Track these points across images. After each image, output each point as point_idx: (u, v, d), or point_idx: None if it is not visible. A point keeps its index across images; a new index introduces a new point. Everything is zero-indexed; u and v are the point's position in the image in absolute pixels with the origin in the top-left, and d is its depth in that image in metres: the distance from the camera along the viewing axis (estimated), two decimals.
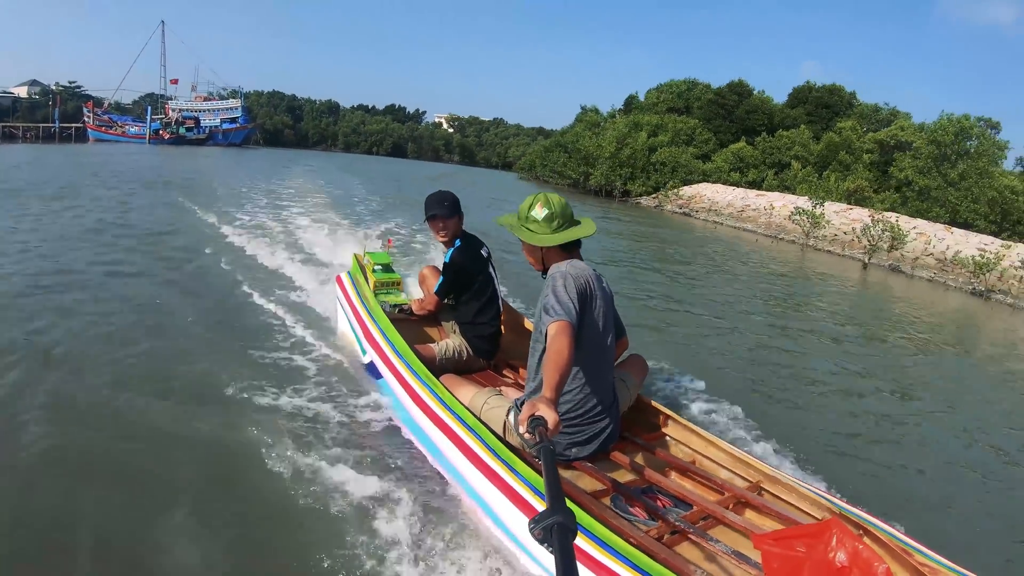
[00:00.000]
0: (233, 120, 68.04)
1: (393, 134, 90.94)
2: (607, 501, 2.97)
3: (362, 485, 3.22)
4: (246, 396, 4.22)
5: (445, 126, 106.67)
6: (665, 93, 45.00)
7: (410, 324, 4.78)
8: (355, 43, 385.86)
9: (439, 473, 3.43)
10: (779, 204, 28.98)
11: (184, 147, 55.97)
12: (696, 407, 5.12)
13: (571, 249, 3.27)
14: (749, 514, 3.04)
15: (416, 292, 5.58)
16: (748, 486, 3.16)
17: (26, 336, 5.17)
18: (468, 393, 3.56)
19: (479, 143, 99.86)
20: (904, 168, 30.04)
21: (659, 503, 2.96)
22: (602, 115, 49.63)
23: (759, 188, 33.58)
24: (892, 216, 24.81)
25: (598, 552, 2.30)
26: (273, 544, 2.93)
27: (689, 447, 3.55)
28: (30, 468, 3.37)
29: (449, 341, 4.50)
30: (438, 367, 4.18)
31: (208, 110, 69.20)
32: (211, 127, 66.77)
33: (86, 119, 64.11)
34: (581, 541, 2.37)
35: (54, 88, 79.46)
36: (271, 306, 6.29)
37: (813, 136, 36.80)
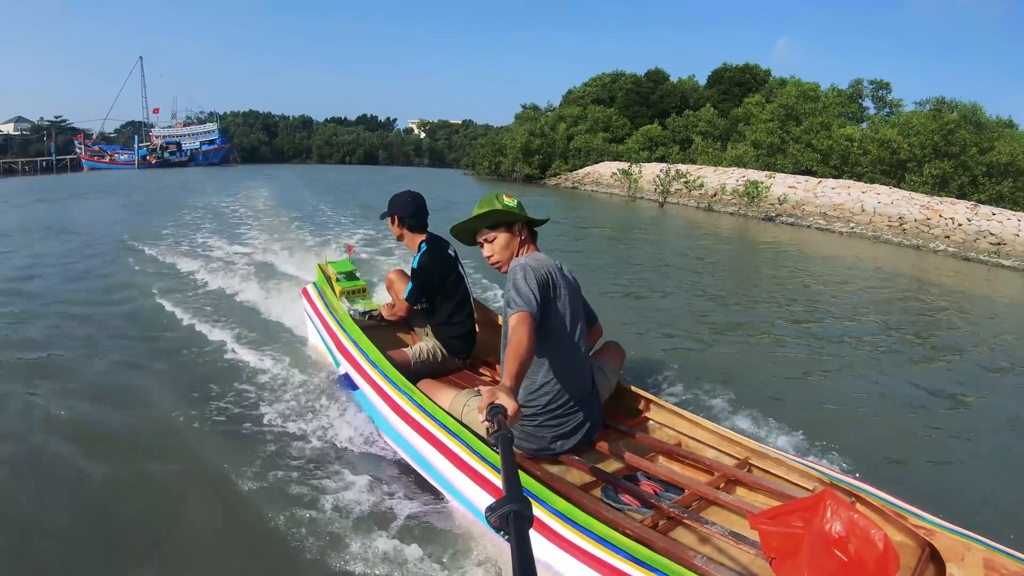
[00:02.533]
0: (211, 142, 72.15)
1: (364, 143, 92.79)
2: (597, 492, 2.86)
3: (346, 500, 3.09)
4: (217, 422, 3.95)
5: (416, 131, 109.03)
6: (591, 86, 48.57)
7: (382, 330, 4.53)
8: (328, 59, 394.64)
9: (425, 480, 3.25)
10: (647, 172, 33.88)
11: (169, 169, 58.60)
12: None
13: (533, 240, 3.21)
14: (740, 492, 2.96)
15: (383, 296, 5.32)
16: (737, 464, 3.07)
17: None
18: (447, 396, 3.38)
19: (449, 145, 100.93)
20: (756, 130, 33.93)
21: (650, 489, 2.85)
22: (540, 111, 53.52)
23: (663, 162, 36.65)
24: (688, 167, 32.03)
25: (596, 548, 2.22)
26: (261, 565, 2.75)
27: (674, 429, 3.43)
28: None
29: (423, 344, 4.27)
30: (414, 371, 3.96)
31: (188, 135, 73.06)
32: (192, 150, 70.72)
33: (78, 150, 67.26)
34: (578, 538, 2.29)
35: (38, 123, 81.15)
36: (232, 329, 5.75)
37: (722, 113, 40.09)
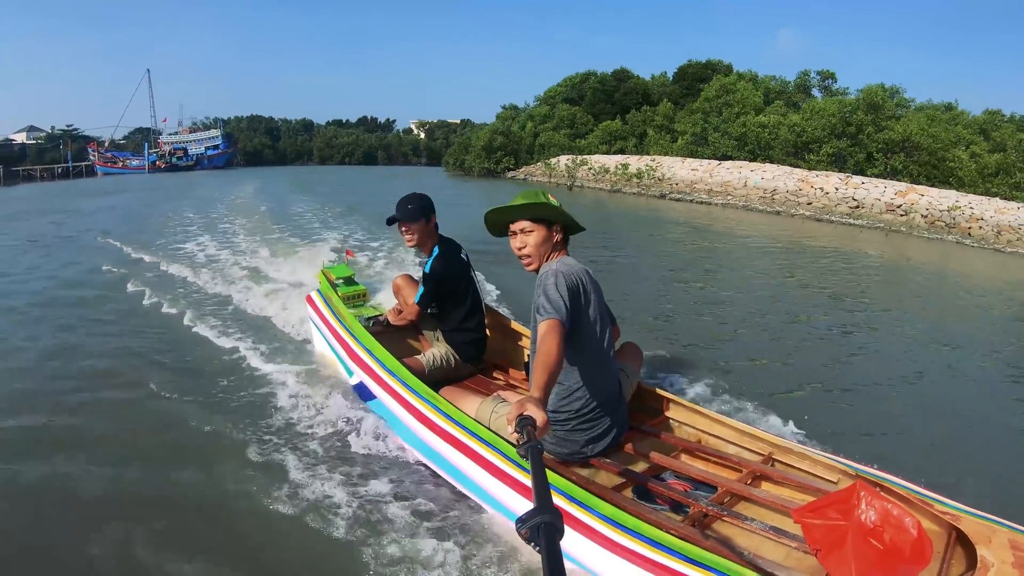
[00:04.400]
0: (215, 147, 74.98)
1: (364, 144, 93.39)
2: (629, 493, 2.75)
3: (374, 508, 2.95)
4: (231, 440, 3.67)
5: (416, 131, 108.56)
6: (563, 86, 49.85)
7: (390, 337, 4.22)
8: (331, 63, 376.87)
9: (455, 489, 3.07)
10: (563, 161, 37.09)
11: (177, 173, 60.31)
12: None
13: (566, 246, 3.01)
14: (767, 487, 2.84)
15: (387, 300, 5.04)
16: (761, 459, 2.94)
17: None
18: (473, 404, 3.19)
19: (447, 144, 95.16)
20: (683, 122, 36.60)
21: (680, 488, 2.75)
22: (519, 110, 54.73)
23: (622, 154, 38.55)
24: (598, 157, 35.50)
25: (647, 549, 2.15)
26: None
27: (695, 428, 3.28)
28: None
29: (435, 350, 3.98)
30: (428, 378, 3.64)
31: (194, 140, 75.82)
32: (197, 155, 73.33)
33: (92, 157, 69.79)
34: (628, 541, 2.20)
35: (51, 131, 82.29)
36: (236, 339, 5.42)
37: (682, 107, 40.95)
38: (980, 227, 19.61)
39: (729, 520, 2.54)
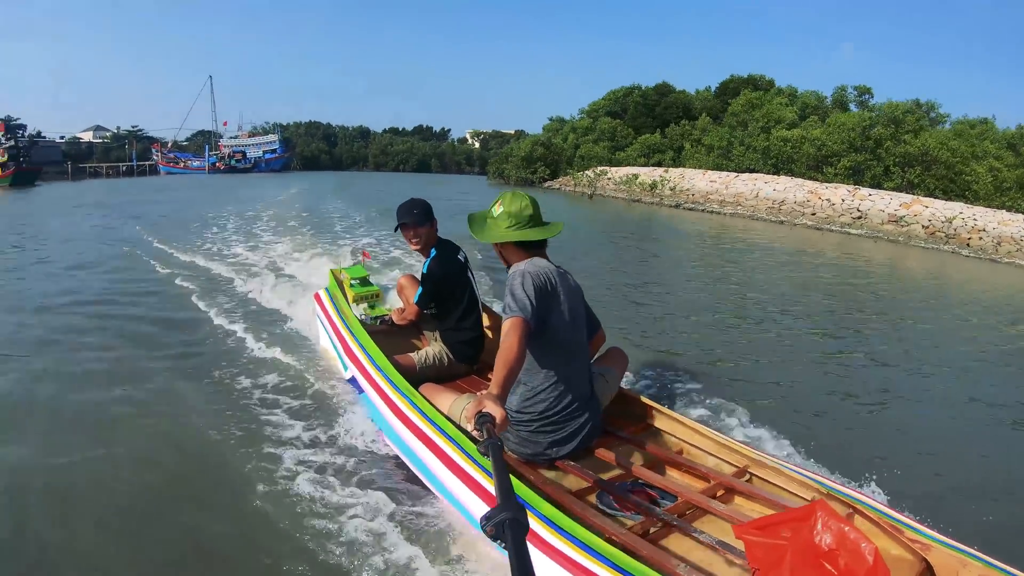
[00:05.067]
0: (272, 151, 77.52)
1: (418, 152, 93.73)
2: (593, 499, 2.65)
3: (343, 500, 2.94)
4: (225, 423, 3.72)
5: (471, 141, 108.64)
6: (606, 100, 51.08)
7: (395, 335, 4.28)
8: (391, 73, 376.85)
9: (423, 484, 3.02)
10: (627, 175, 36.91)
11: (235, 174, 63.38)
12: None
13: (531, 248, 2.87)
14: (738, 501, 2.73)
15: (396, 302, 5.00)
16: (735, 472, 2.84)
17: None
18: (447, 401, 3.15)
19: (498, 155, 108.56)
20: (711, 136, 37.41)
21: (646, 497, 2.66)
22: (566, 121, 55.88)
23: (660, 166, 38.60)
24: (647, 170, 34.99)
25: (578, 554, 2.06)
26: (253, 558, 2.63)
27: (675, 437, 3.18)
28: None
29: (430, 349, 3.96)
30: (419, 376, 3.68)
31: (252, 144, 78.94)
32: (255, 158, 76.19)
33: (156, 157, 73.87)
34: (561, 543, 2.12)
35: (116, 131, 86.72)
36: (245, 328, 5.63)
37: (719, 121, 41.29)
38: (980, 238, 19.38)
39: (680, 532, 2.45)
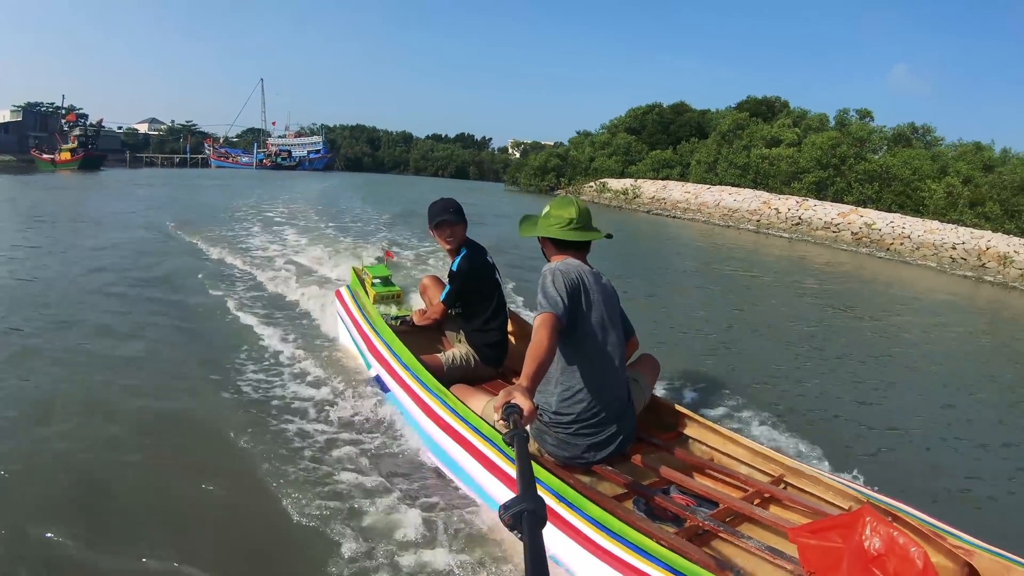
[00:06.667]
0: (316, 151, 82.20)
1: (457, 159, 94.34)
2: (630, 504, 2.52)
3: (378, 502, 2.79)
4: (251, 421, 3.54)
5: (511, 150, 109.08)
6: (627, 117, 53.92)
7: (414, 336, 4.03)
8: (438, 79, 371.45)
9: (456, 485, 2.90)
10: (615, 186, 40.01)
11: (280, 171, 65.31)
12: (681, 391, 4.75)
13: (567, 248, 2.83)
14: (775, 509, 2.60)
15: (416, 303, 4.88)
16: (771, 480, 2.71)
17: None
18: (480, 402, 3.02)
19: None
20: (697, 153, 40.19)
21: (683, 503, 2.54)
22: (591, 134, 58.39)
23: (676, 180, 40.98)
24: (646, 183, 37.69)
25: (632, 557, 1.99)
26: (285, 557, 2.52)
27: (707, 445, 3.04)
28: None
29: (456, 350, 3.77)
30: (446, 377, 3.48)
31: (298, 144, 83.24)
32: (300, 157, 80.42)
33: (208, 151, 78.81)
34: (612, 546, 2.04)
35: (171, 125, 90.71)
36: (267, 324, 5.39)
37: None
38: (902, 243, 20.61)
39: (726, 537, 2.30)
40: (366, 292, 4.66)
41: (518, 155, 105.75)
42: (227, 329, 5.30)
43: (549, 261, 2.83)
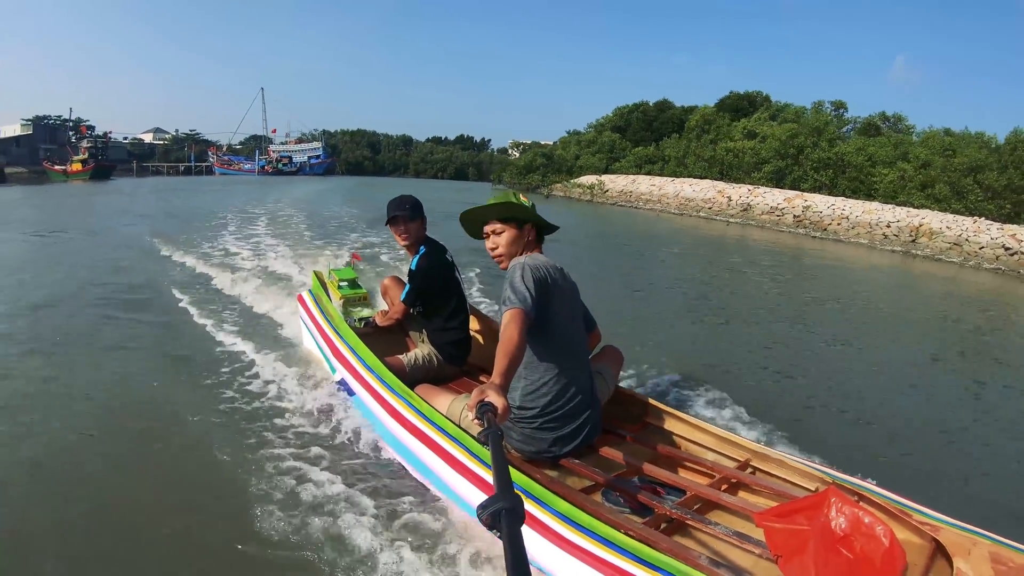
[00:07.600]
0: (317, 157, 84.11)
1: (456, 161, 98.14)
2: (598, 496, 2.46)
3: (342, 502, 2.76)
4: (212, 430, 3.43)
5: (510, 151, 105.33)
6: (614, 115, 55.51)
7: (379, 338, 3.91)
8: (436, 83, 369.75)
9: (424, 486, 2.80)
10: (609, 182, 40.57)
11: (282, 176, 67.42)
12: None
13: (539, 244, 2.81)
14: (743, 494, 2.57)
15: (384, 305, 4.58)
16: (738, 465, 2.66)
17: None
18: (445, 401, 2.94)
19: None
20: (669, 147, 41.94)
21: (652, 493, 2.49)
22: (581, 133, 59.68)
23: (649, 175, 41.38)
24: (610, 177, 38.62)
25: (600, 549, 1.98)
26: (253, 563, 2.47)
27: (674, 433, 2.98)
28: None
29: (418, 351, 3.64)
30: (409, 378, 3.36)
31: (298, 150, 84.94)
32: (301, 163, 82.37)
33: (211, 159, 79.96)
34: (581, 540, 2.01)
35: (175, 134, 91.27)
36: (228, 332, 5.27)
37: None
38: (839, 224, 21.37)
39: (694, 525, 2.26)
40: (329, 295, 4.48)
41: (518, 155, 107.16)
42: (187, 335, 5.27)
43: (505, 255, 2.77)
